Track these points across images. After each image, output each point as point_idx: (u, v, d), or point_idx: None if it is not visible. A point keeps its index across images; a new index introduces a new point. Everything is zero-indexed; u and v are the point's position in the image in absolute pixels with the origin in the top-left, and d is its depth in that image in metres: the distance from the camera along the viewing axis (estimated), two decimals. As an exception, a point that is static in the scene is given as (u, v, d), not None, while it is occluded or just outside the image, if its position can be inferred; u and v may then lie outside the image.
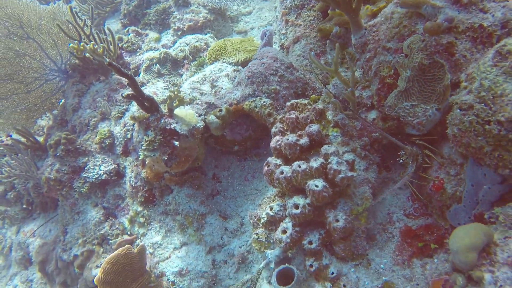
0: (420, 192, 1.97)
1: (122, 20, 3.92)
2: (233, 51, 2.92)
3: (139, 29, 3.58)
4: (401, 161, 1.95)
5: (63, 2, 3.12)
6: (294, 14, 2.87)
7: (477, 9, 1.68)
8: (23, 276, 3.68)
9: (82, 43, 2.25)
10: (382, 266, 1.98)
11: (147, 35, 3.58)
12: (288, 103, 2.16)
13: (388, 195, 2.13)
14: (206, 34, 3.49)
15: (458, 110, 1.48)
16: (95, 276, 2.51)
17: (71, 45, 2.26)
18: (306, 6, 2.85)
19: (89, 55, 2.84)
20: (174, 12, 3.63)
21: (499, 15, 1.64)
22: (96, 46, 2.25)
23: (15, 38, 2.94)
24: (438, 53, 1.68)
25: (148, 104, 2.09)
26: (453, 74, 1.67)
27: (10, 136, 3.33)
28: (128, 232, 2.68)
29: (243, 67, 2.72)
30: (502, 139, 1.38)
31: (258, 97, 2.26)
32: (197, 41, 3.26)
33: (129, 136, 2.52)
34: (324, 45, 2.71)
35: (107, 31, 3.08)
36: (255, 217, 2.22)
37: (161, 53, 3.13)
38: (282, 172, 1.87)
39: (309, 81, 2.46)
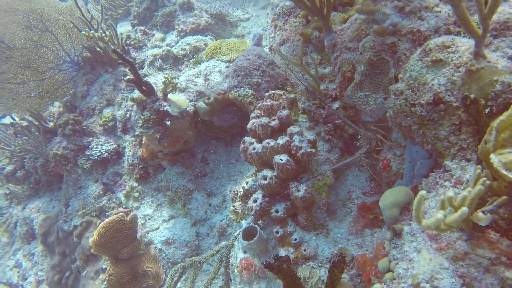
0: (373, 172, 2.28)
1: (132, 21, 4.32)
2: (227, 50, 3.28)
3: (146, 29, 3.97)
4: (357, 144, 2.27)
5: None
6: (282, 20, 3.22)
7: (416, 17, 2.02)
8: (25, 250, 4.01)
9: (91, 31, 2.61)
10: (339, 235, 2.27)
11: (153, 35, 3.95)
12: (266, 94, 2.50)
13: (350, 175, 2.43)
14: (206, 36, 3.85)
15: (393, 96, 1.80)
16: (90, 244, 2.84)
17: (83, 32, 2.63)
18: (292, 13, 3.20)
19: (98, 48, 3.21)
20: (179, 15, 4.01)
21: (433, 22, 1.98)
22: (103, 34, 2.61)
23: (35, 30, 3.32)
24: (384, 51, 2.01)
25: (146, 88, 2.44)
26: (396, 69, 2.00)
27: (25, 118, 3.70)
28: (124, 206, 3.01)
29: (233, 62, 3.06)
30: (424, 119, 1.69)
31: (242, 88, 2.60)
32: (197, 42, 3.62)
33: (128, 115, 2.88)
34: (306, 47, 3.05)
35: (110, 26, 3.46)
36: (234, 192, 2.54)
37: (164, 50, 3.49)
38: (254, 148, 2.19)
39: (289, 77, 2.80)
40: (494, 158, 1.22)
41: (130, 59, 2.26)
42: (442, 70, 1.70)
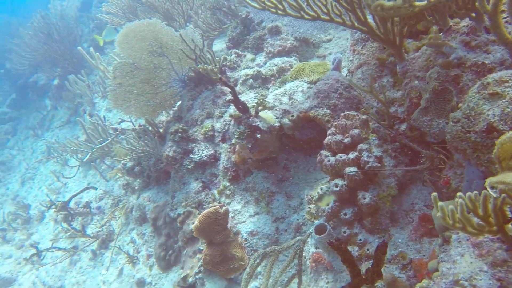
0: (435, 187, 2.57)
1: (227, 43, 5.00)
2: (309, 72, 3.75)
3: (239, 51, 4.61)
4: (421, 161, 2.57)
5: (191, 27, 4.27)
6: (360, 45, 3.60)
7: (481, 51, 2.28)
8: (138, 230, 4.90)
9: (204, 65, 3.26)
10: (399, 240, 2.60)
11: (245, 56, 4.58)
12: (342, 114, 2.91)
13: (415, 189, 2.74)
14: (291, 57, 4.37)
15: (451, 122, 2.11)
16: (191, 229, 3.51)
17: (200, 66, 3.29)
18: (370, 40, 3.57)
19: (201, 71, 3.90)
20: (267, 39, 4.58)
21: (499, 55, 2.23)
22: (212, 66, 3.25)
23: (155, 55, 4.12)
24: (448, 82, 2.31)
25: (242, 107, 3.02)
26: (459, 98, 2.29)
27: (141, 124, 4.55)
28: (218, 201, 3.63)
29: (315, 85, 3.52)
30: (477, 144, 1.98)
31: (321, 108, 3.06)
32: (283, 63, 4.15)
33: (226, 128, 3.49)
34: (381, 71, 3.39)
35: (211, 52, 4.13)
36: (310, 196, 3.00)
37: (254, 71, 4.08)
38: (329, 161, 2.63)
39: (364, 99, 3.18)
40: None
41: (231, 84, 2.85)
42: (498, 102, 1.98)
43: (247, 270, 3.08)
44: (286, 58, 4.23)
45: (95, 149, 5.25)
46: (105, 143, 5.28)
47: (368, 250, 2.57)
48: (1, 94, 15.42)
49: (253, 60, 4.46)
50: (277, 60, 4.20)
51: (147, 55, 4.09)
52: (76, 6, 11.24)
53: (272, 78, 4.04)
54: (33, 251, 7.19)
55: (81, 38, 11.62)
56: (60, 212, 6.73)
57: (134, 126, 4.74)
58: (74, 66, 10.32)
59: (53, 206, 6.81)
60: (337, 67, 3.53)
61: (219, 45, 5.97)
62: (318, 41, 4.64)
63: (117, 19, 7.19)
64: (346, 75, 3.47)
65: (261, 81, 4.03)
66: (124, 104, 4.31)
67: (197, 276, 3.51)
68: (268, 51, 4.45)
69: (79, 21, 12.04)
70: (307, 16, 2.94)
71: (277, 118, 3.17)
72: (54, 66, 11.34)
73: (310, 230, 2.89)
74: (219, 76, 2.70)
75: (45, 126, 12.19)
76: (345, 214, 2.62)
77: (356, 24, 2.84)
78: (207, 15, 5.76)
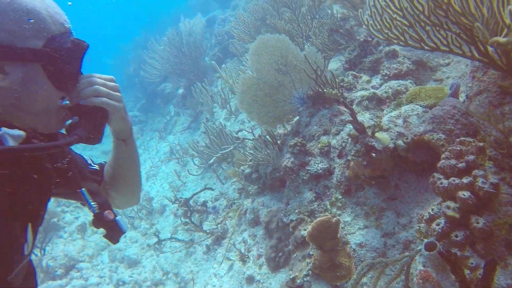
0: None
1: (344, 65, 5.34)
2: (425, 97, 3.90)
3: (355, 73, 4.91)
4: (542, 193, 2.59)
5: (314, 48, 4.73)
6: (481, 72, 3.64)
7: None
8: (250, 232, 5.49)
9: (330, 89, 3.67)
10: (515, 269, 2.64)
11: (361, 77, 4.87)
12: (458, 139, 3.05)
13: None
14: (407, 80, 4.53)
15: None
16: (303, 235, 3.92)
17: (325, 90, 3.72)
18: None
19: (320, 90, 4.30)
20: (384, 62, 4.81)
21: None
22: (335, 91, 3.64)
23: (280, 72, 4.66)
24: None
25: (359, 127, 3.34)
26: None
27: (260, 135, 5.13)
28: (329, 211, 3.98)
29: (430, 110, 3.68)
30: None
31: (436, 133, 3.22)
32: (398, 86, 4.34)
33: (343, 145, 3.84)
34: (502, 98, 3.40)
35: (332, 74, 4.51)
36: (420, 215, 3.18)
37: (370, 93, 4.35)
38: (441, 183, 2.80)
39: (481, 126, 3.25)
40: None
41: (351, 106, 3.20)
42: None
43: (354, 277, 3.37)
44: (401, 81, 4.41)
45: (219, 154, 6.02)
46: (228, 149, 6.02)
47: (480, 274, 2.67)
48: (134, 100, 17.89)
49: (368, 82, 4.73)
50: (393, 83, 4.41)
51: (273, 72, 4.65)
52: (202, 23, 12.64)
53: (387, 100, 4.26)
54: (155, 239, 8.33)
55: (205, 52, 12.99)
56: (182, 207, 7.74)
57: (254, 136, 5.35)
58: (198, 78, 11.62)
59: (177, 201, 7.87)
60: (455, 93, 3.63)
61: (333, 64, 6.35)
62: (435, 65, 4.71)
63: (243, 35, 8.00)
64: (464, 101, 3.56)
65: (376, 102, 4.28)
66: (249, 109, 4.94)
67: (305, 279, 3.90)
68: (384, 73, 4.68)
69: (203, 36, 13.46)
70: (426, 47, 3.16)
71: (391, 140, 3.41)
72: (180, 77, 12.89)
73: (419, 248, 3.07)
74: (342, 99, 3.07)
75: (168, 129, 13.85)
76: (456, 236, 2.76)
77: (476, 55, 2.97)
78: (324, 36, 6.18)
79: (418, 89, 4.03)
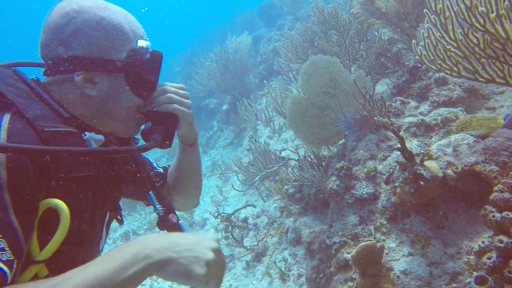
0: None
1: (392, 90, 5.37)
2: (477, 126, 3.87)
3: (403, 99, 4.93)
4: None
5: (364, 73, 4.81)
6: (538, 104, 3.58)
7: None
8: (291, 251, 5.56)
9: (380, 118, 3.74)
10: None
11: (409, 103, 4.88)
12: (512, 172, 3.01)
13: None
14: (457, 108, 4.50)
15: None
16: (345, 258, 3.95)
17: (376, 118, 3.79)
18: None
19: (368, 115, 4.36)
20: (433, 88, 4.80)
21: None
22: (386, 119, 3.70)
23: (328, 95, 4.77)
24: None
25: (408, 155, 3.38)
26: None
27: (305, 156, 5.23)
28: (373, 236, 4.00)
29: (483, 140, 3.65)
30: None
31: (488, 164, 3.20)
32: (448, 113, 4.32)
33: (390, 171, 3.87)
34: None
35: (383, 98, 4.55)
36: (469, 246, 3.14)
37: (418, 119, 4.35)
38: (494, 216, 2.78)
39: (538, 159, 3.19)
40: None
41: (400, 135, 3.25)
42: None
43: (397, 305, 3.35)
44: (451, 109, 4.39)
45: (265, 172, 6.17)
46: (273, 169, 6.16)
47: (532, 312, 2.60)
48: (180, 114, 18.44)
49: (416, 108, 4.73)
50: (442, 110, 4.39)
51: (321, 94, 4.77)
52: (249, 41, 13.01)
53: (436, 128, 4.25)
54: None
55: (250, 70, 13.34)
56: (224, 222, 7.92)
57: (299, 156, 5.46)
58: (242, 95, 11.93)
59: (219, 216, 8.07)
60: (510, 124, 3.58)
61: (379, 87, 6.38)
62: (488, 93, 4.64)
63: (290, 55, 8.19)
64: (519, 133, 3.50)
65: (424, 129, 4.28)
66: (297, 128, 5.07)
67: (346, 301, 3.90)
68: (433, 100, 4.67)
69: (249, 54, 13.85)
70: (481, 79, 3.18)
71: (441, 169, 3.41)
72: (224, 93, 13.28)
73: (468, 280, 3.03)
74: (392, 127, 3.13)
75: (211, 144, 14.21)
76: (510, 272, 2.71)
77: (534, 89, 2.94)
78: (371, 59, 6.24)
79: (470, 118, 4.00)
